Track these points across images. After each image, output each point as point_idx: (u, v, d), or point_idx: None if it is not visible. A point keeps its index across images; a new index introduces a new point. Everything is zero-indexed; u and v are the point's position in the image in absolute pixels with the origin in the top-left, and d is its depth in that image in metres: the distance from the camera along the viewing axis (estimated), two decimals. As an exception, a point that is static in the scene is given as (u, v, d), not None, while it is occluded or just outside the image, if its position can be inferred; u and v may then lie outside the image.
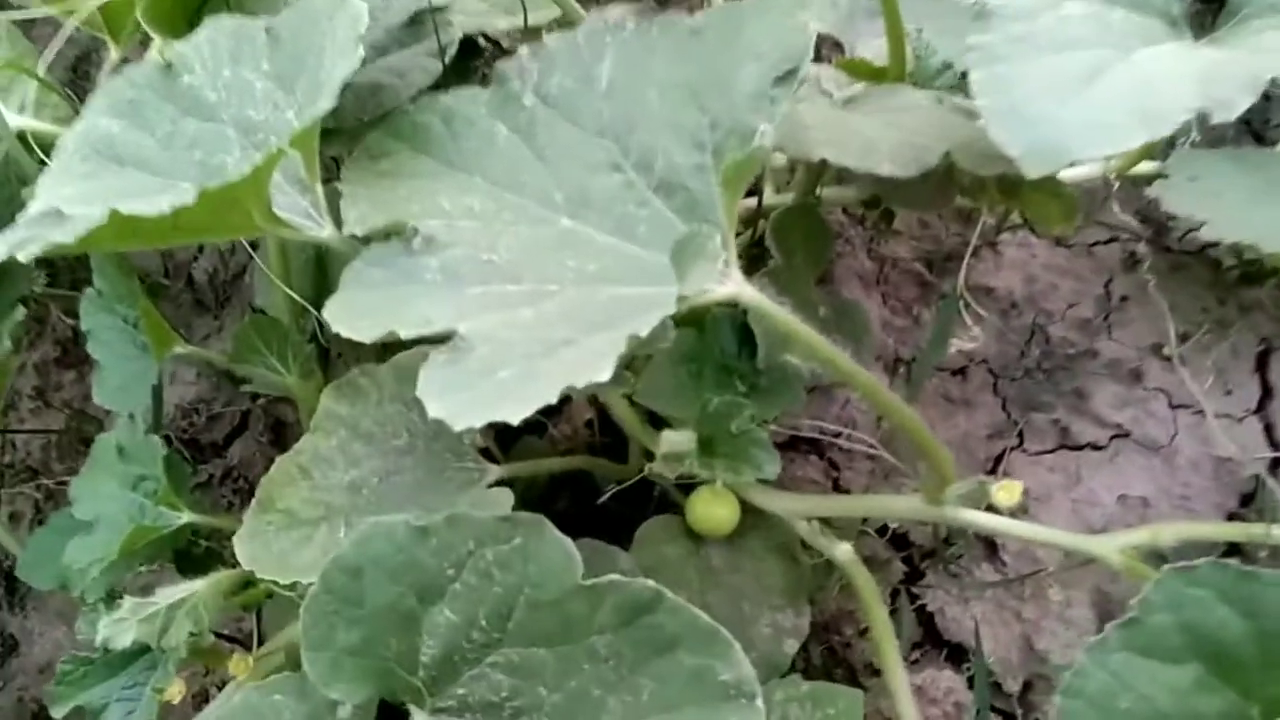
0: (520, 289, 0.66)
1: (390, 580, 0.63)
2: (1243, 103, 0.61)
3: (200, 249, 1.31)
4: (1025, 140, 0.61)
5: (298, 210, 0.78)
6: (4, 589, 1.31)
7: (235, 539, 0.79)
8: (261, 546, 0.79)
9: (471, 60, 0.97)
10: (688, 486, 0.92)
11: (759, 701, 0.58)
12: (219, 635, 1.10)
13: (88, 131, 0.82)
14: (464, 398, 0.55)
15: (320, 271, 1.05)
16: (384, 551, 0.63)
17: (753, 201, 1.00)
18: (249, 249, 1.22)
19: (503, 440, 1.04)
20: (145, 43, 1.06)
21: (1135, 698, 0.57)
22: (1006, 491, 0.79)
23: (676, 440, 0.74)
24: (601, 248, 0.69)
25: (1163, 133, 0.60)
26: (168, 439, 1.22)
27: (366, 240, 0.70)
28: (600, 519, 1.06)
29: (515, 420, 0.51)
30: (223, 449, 1.24)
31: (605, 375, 0.51)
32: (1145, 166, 1.01)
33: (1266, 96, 1.13)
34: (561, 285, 0.67)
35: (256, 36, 0.80)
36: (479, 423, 0.52)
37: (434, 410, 0.54)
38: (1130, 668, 0.57)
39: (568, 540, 0.61)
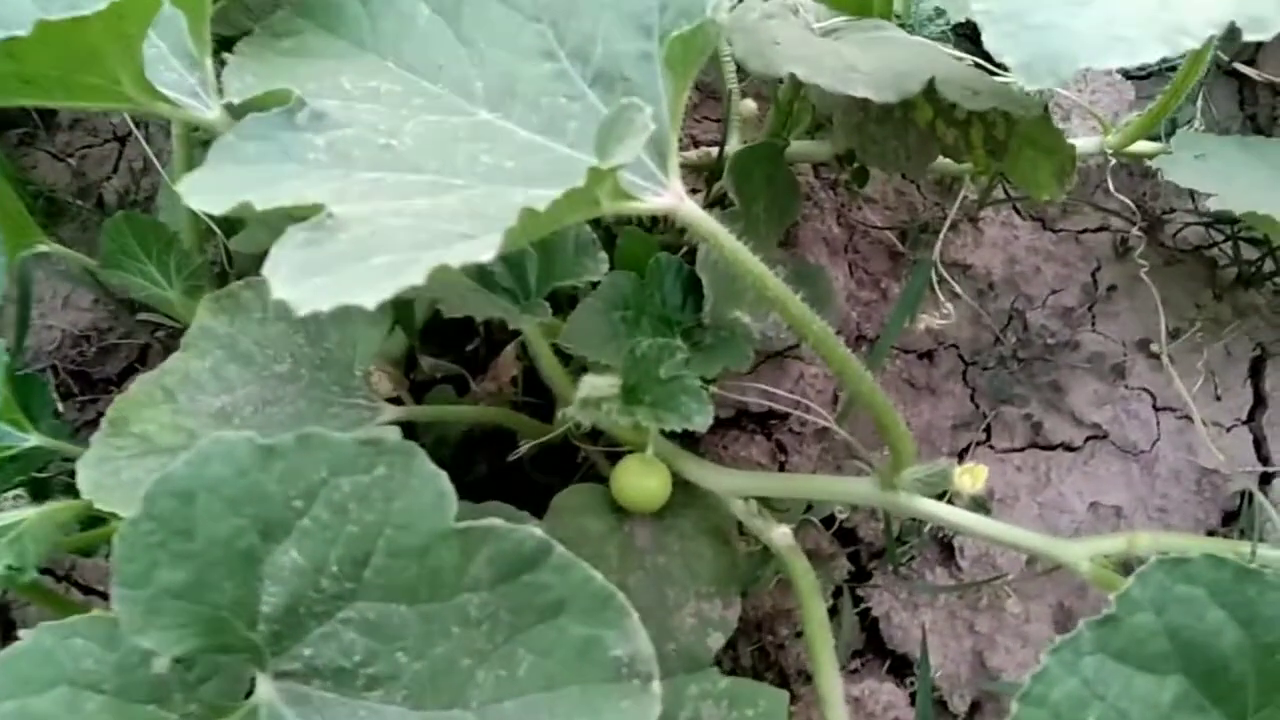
0: (420, 179, 0.56)
1: (228, 510, 0.52)
2: (1277, 21, 0.52)
3: (115, 168, 1.20)
4: (1028, 48, 0.52)
5: (184, 89, 0.67)
6: None
7: (79, 464, 0.68)
8: (109, 474, 0.68)
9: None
10: (617, 456, 0.82)
11: (655, 685, 0.48)
12: (83, 587, 0.98)
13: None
14: (320, 281, 0.44)
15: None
16: (222, 474, 0.52)
17: (714, 151, 0.91)
18: (159, 166, 1.10)
19: (418, 394, 0.93)
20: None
21: (1105, 710, 0.47)
22: (970, 476, 0.70)
23: (596, 384, 0.64)
24: (523, 144, 0.59)
25: (1185, 47, 0.51)
26: (53, 369, 1.11)
27: (249, 117, 0.59)
28: (518, 488, 0.95)
29: (371, 304, 0.41)
30: (117, 384, 1.12)
31: (489, 254, 0.41)
32: (1144, 145, 0.93)
33: (1275, 91, 1.05)
34: (470, 180, 0.56)
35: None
36: (328, 305, 0.42)
37: (280, 290, 0.43)
38: (1103, 673, 0.48)
39: (442, 475, 0.50)
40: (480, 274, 0.69)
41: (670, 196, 0.56)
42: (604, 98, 0.59)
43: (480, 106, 0.61)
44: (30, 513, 0.68)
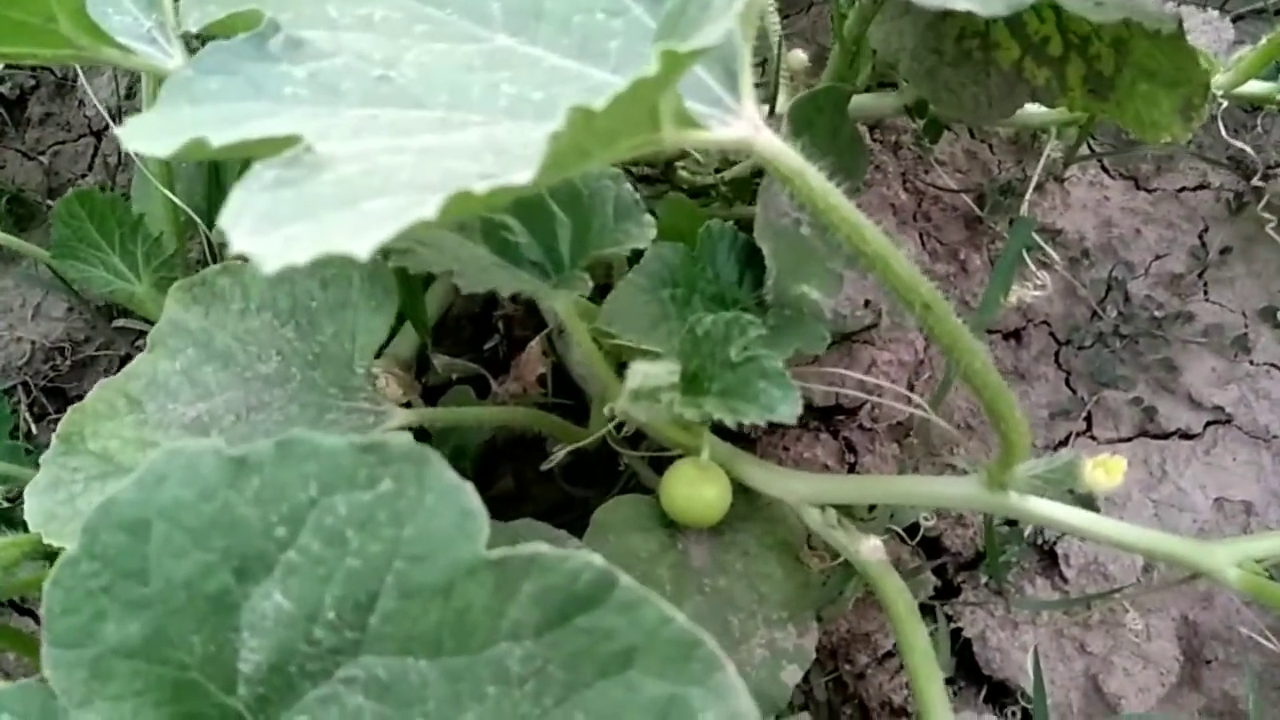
0: (426, 115, 0.44)
1: (191, 543, 0.40)
2: None
3: (90, 165, 1.09)
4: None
5: (138, 33, 0.56)
6: None
7: (27, 490, 0.56)
8: (62, 501, 0.57)
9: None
10: (662, 464, 0.70)
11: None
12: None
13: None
14: (296, 230, 0.32)
15: (214, 177, 0.83)
16: (183, 497, 0.40)
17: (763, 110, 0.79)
18: (137, 159, 0.99)
19: (431, 400, 0.81)
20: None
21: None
22: (1104, 470, 0.57)
23: (651, 372, 0.52)
24: (552, 71, 0.47)
25: None
26: (24, 385, 1.00)
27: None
28: (550, 504, 0.83)
29: (364, 251, 0.29)
30: (96, 402, 1.01)
31: (527, 175, 0.29)
32: (1255, 86, 0.80)
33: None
34: (490, 115, 0.44)
35: None
36: (306, 256, 0.30)
37: (242, 242, 0.31)
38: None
39: (467, 489, 0.38)
40: (502, 245, 0.57)
41: (745, 125, 0.44)
42: (652, 10, 0.47)
43: (498, 31, 0.49)
44: (-32, 550, 0.57)
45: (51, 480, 0.57)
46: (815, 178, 0.47)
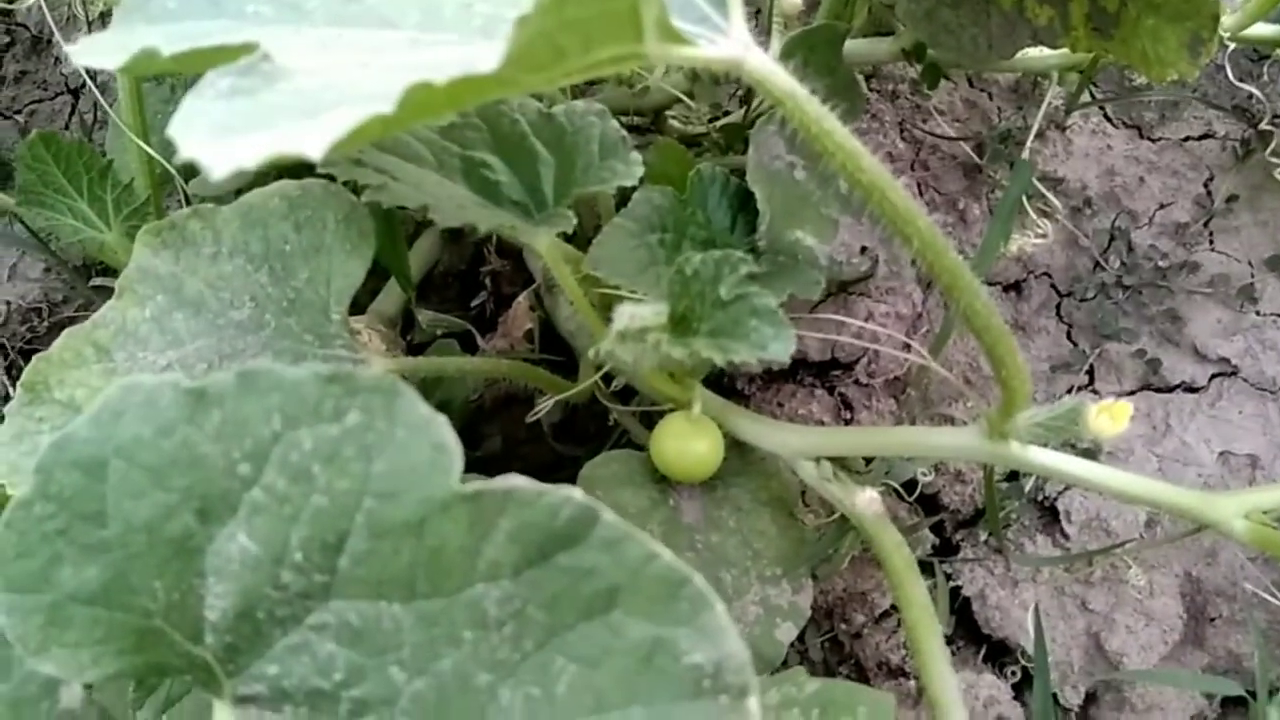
0: (396, 35, 0.42)
1: (151, 482, 0.38)
2: None
3: (67, 123, 1.06)
4: None
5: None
6: None
7: (-8, 435, 0.54)
8: (26, 453, 0.54)
9: None
10: (653, 420, 0.69)
11: (752, 702, 0.33)
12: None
13: None
14: (250, 139, 0.30)
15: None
16: (140, 433, 0.38)
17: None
18: (115, 117, 0.97)
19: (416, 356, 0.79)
20: None
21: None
22: (1109, 415, 0.56)
23: (638, 313, 0.50)
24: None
25: None
26: (2, 348, 0.97)
27: None
28: (540, 462, 0.81)
29: (318, 151, 0.27)
30: (76, 366, 0.98)
31: (491, 63, 0.27)
32: (1262, 29, 0.78)
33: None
34: (465, 36, 0.42)
35: None
36: (257, 159, 0.28)
37: (190, 149, 0.29)
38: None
39: (440, 421, 0.36)
40: (483, 184, 0.55)
41: (734, 44, 0.42)
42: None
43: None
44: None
45: (16, 431, 0.55)
46: (808, 100, 0.45)
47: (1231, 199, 0.79)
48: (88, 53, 0.37)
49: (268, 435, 0.37)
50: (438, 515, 0.36)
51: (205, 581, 0.39)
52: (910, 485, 0.76)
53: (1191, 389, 0.77)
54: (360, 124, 0.28)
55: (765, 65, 0.42)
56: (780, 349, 0.47)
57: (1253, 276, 0.77)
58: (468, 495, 0.36)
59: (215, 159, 0.29)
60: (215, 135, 0.31)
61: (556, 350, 0.79)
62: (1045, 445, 0.61)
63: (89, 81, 1.04)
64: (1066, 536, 0.75)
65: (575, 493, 0.35)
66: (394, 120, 0.28)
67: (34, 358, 0.56)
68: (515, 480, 0.36)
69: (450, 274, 0.87)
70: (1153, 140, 0.84)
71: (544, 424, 0.78)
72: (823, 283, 0.61)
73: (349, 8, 0.43)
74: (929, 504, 0.78)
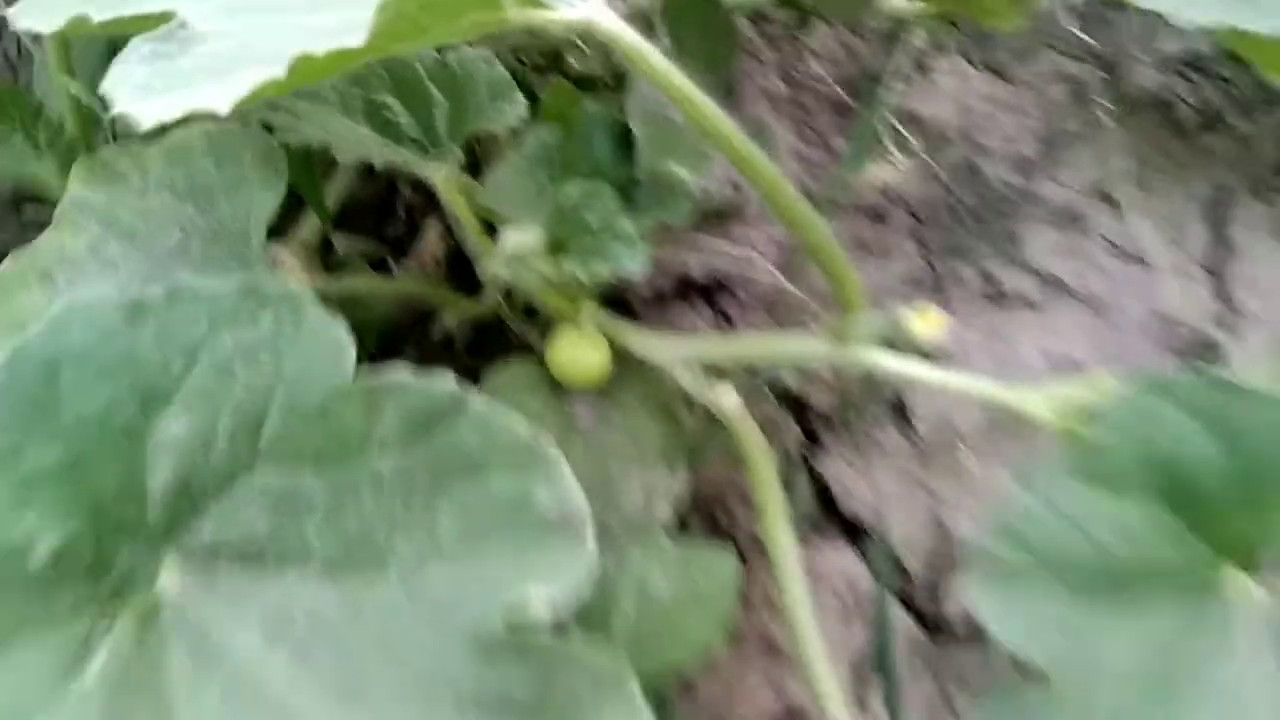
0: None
1: (98, 380, 0.46)
2: None
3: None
4: None
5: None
6: None
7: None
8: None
9: None
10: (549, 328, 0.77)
11: (589, 536, 0.43)
12: None
13: None
14: (171, 99, 0.38)
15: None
16: (87, 340, 0.45)
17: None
18: (33, 47, 1.00)
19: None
20: None
21: (1072, 535, 0.44)
22: (926, 321, 0.66)
23: (521, 240, 0.58)
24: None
25: None
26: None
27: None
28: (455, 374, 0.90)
29: (225, 106, 0.35)
30: None
31: (358, 39, 0.35)
32: (1100, -20, 0.87)
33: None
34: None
35: None
36: (176, 115, 0.35)
37: (119, 104, 0.36)
38: (1070, 497, 0.44)
39: (337, 324, 0.45)
40: (384, 124, 0.62)
41: (589, 7, 0.50)
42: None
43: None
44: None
45: (-31, 349, 0.62)
46: (657, 58, 0.53)
47: (1072, 137, 0.89)
48: (27, 15, 0.44)
49: (196, 337, 0.45)
50: (338, 402, 0.45)
51: (149, 461, 0.47)
52: (783, 392, 0.86)
53: (1027, 302, 0.87)
54: (259, 86, 0.35)
55: (615, 26, 0.50)
56: (634, 266, 0.56)
57: (1085, 205, 0.88)
58: (361, 387, 0.44)
59: (140, 115, 0.36)
60: (139, 95, 0.38)
61: (466, 274, 0.87)
62: (890, 350, 0.71)
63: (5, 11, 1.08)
64: (916, 430, 0.86)
65: (448, 382, 0.44)
66: (286, 84, 0.36)
67: (-18, 282, 0.62)
68: (401, 373, 0.45)
69: (367, 205, 0.94)
70: (1008, 81, 0.93)
71: (457, 341, 0.86)
72: (689, 210, 0.70)
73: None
74: (798, 405, 0.88)
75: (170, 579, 0.49)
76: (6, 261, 0.62)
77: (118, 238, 0.63)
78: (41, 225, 1.00)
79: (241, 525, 0.47)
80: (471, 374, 0.89)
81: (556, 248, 0.59)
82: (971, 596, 0.45)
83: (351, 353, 0.44)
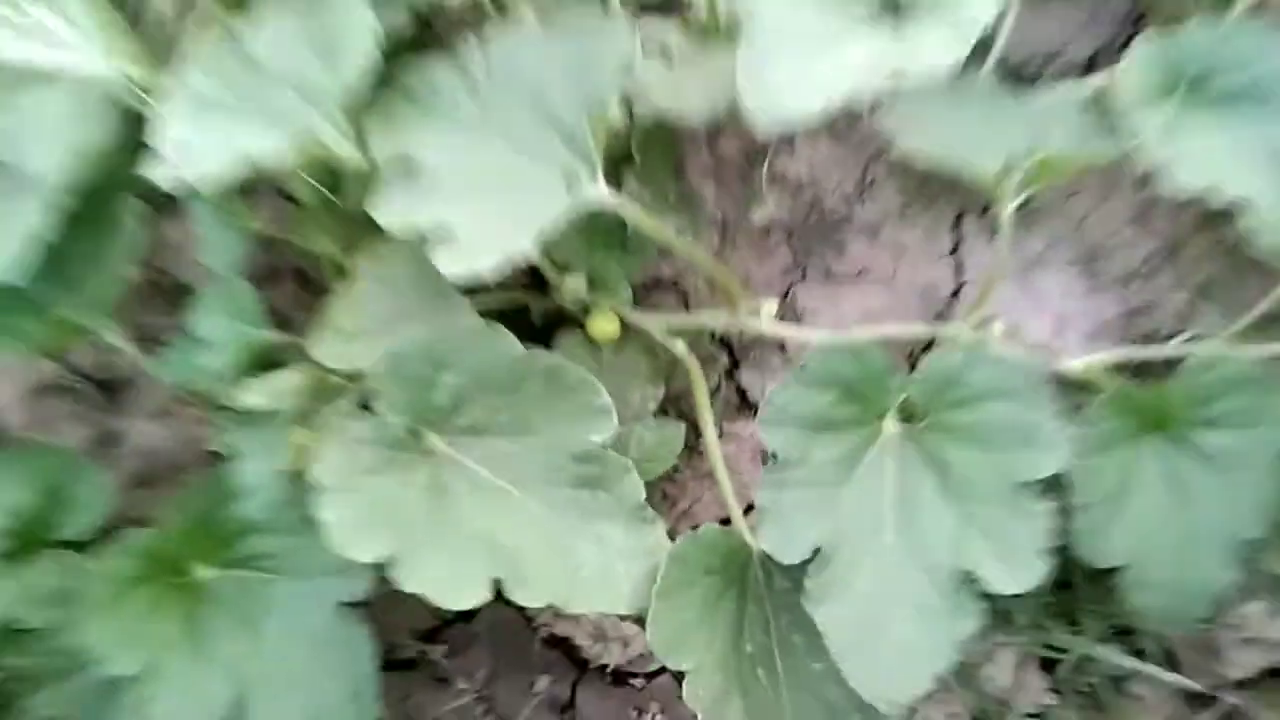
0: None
1: (419, 360, 1.16)
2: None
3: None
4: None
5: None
6: (107, 397, 1.82)
7: (308, 345, 1.31)
8: (327, 348, 1.31)
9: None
10: (589, 313, 1.47)
11: (614, 417, 1.14)
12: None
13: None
14: (458, 265, 1.06)
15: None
16: (413, 344, 1.15)
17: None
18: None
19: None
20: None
21: (806, 405, 1.14)
22: (768, 307, 1.35)
23: (576, 283, 1.28)
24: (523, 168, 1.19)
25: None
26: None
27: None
28: (535, 336, 1.60)
29: (489, 264, 1.03)
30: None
31: (524, 243, 1.03)
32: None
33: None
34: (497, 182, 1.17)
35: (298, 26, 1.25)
36: (466, 270, 1.04)
37: (444, 266, 1.05)
38: (798, 393, 1.14)
39: (511, 337, 1.14)
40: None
41: (600, 193, 1.17)
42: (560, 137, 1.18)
43: (509, 150, 1.21)
44: (296, 374, 1.31)
45: (317, 339, 1.32)
46: (632, 210, 1.20)
47: (873, 181, 1.56)
48: (381, 217, 1.12)
49: (458, 343, 1.15)
50: (515, 364, 1.14)
51: (437, 391, 1.18)
52: (720, 339, 1.55)
53: (849, 279, 1.56)
54: (501, 255, 1.04)
55: (614, 202, 1.17)
56: (626, 297, 1.26)
57: (881, 222, 1.55)
58: (522, 357, 1.14)
59: (450, 273, 1.05)
60: (447, 263, 1.07)
61: (538, 282, 1.55)
62: (757, 318, 1.40)
63: None
64: (789, 355, 1.56)
65: (558, 356, 1.14)
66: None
67: (326, 308, 1.31)
68: (538, 351, 1.15)
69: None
70: (840, 142, 1.59)
71: (538, 322, 1.56)
72: (655, 254, 1.38)
73: (463, 185, 1.17)
74: (727, 344, 1.58)
75: (438, 441, 1.20)
76: (331, 304, 1.31)
77: (383, 286, 1.32)
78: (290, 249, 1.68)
79: (476, 416, 1.18)
80: (545, 335, 1.59)
81: (592, 284, 1.27)
82: (764, 434, 1.16)
83: (518, 347, 1.13)
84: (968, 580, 1.10)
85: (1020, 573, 1.07)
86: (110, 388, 1.84)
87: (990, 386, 1.12)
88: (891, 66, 1.10)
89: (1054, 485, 1.21)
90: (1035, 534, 1.08)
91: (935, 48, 1.11)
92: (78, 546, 1.53)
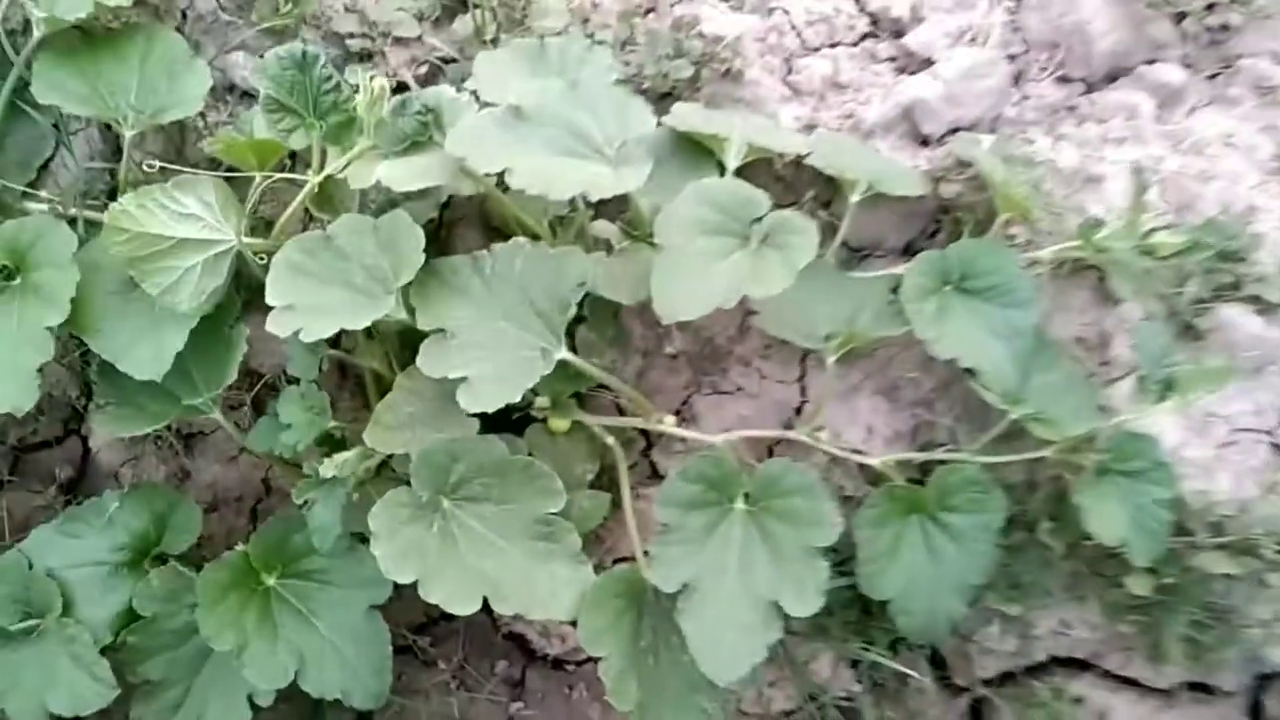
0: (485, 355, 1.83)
1: (441, 455, 1.82)
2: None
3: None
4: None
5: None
6: (183, 445, 2.44)
7: (366, 435, 1.95)
8: (378, 437, 1.96)
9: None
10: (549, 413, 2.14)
11: (564, 496, 1.81)
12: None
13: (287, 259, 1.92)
14: (474, 405, 1.72)
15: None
16: (437, 446, 1.81)
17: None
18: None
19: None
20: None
21: (681, 493, 1.84)
22: (670, 419, 2.04)
23: (544, 401, 1.95)
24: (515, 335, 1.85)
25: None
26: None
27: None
28: (511, 427, 2.28)
29: (492, 407, 1.69)
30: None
31: (514, 397, 1.70)
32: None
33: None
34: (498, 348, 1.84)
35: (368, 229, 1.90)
36: (478, 409, 1.70)
37: (464, 405, 1.71)
38: (680, 485, 1.83)
39: (501, 444, 1.81)
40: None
41: (563, 353, 1.85)
42: (539, 327, 1.85)
43: (511, 324, 1.88)
44: (351, 453, 1.95)
45: (372, 432, 1.96)
46: (586, 364, 1.88)
47: (749, 326, 2.26)
48: (425, 367, 1.77)
49: (466, 448, 1.82)
50: (497, 459, 1.81)
51: (451, 475, 1.85)
52: (643, 430, 2.23)
53: (727, 394, 2.25)
54: (503, 400, 1.71)
55: (575, 360, 1.85)
56: (576, 413, 1.94)
57: (751, 356, 2.25)
58: (512, 460, 1.81)
59: (468, 408, 1.71)
60: (467, 402, 1.73)
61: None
62: (662, 423, 2.08)
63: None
64: (685, 443, 2.24)
65: (530, 457, 1.82)
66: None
67: (375, 408, 1.96)
68: (523, 457, 1.82)
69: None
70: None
71: (512, 417, 2.21)
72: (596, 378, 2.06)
73: (472, 348, 1.83)
74: (646, 434, 2.26)
75: (449, 505, 1.87)
76: (378, 407, 1.96)
77: (413, 396, 1.97)
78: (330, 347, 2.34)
79: (471, 491, 1.85)
80: (519, 429, 2.25)
81: (553, 402, 1.94)
82: (658, 510, 1.84)
83: (504, 448, 1.79)
84: (776, 607, 1.79)
85: (808, 604, 1.77)
86: (186, 437, 2.48)
87: (796, 486, 1.82)
88: (743, 291, 1.80)
89: (846, 548, 1.93)
90: (818, 580, 1.78)
91: (773, 276, 1.81)
92: (178, 559, 2.18)
